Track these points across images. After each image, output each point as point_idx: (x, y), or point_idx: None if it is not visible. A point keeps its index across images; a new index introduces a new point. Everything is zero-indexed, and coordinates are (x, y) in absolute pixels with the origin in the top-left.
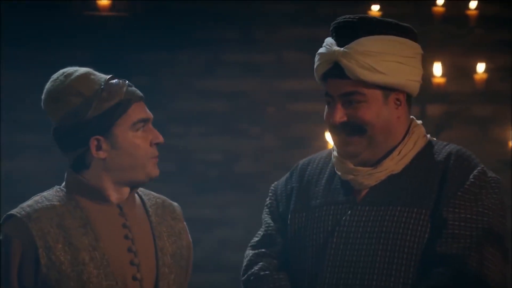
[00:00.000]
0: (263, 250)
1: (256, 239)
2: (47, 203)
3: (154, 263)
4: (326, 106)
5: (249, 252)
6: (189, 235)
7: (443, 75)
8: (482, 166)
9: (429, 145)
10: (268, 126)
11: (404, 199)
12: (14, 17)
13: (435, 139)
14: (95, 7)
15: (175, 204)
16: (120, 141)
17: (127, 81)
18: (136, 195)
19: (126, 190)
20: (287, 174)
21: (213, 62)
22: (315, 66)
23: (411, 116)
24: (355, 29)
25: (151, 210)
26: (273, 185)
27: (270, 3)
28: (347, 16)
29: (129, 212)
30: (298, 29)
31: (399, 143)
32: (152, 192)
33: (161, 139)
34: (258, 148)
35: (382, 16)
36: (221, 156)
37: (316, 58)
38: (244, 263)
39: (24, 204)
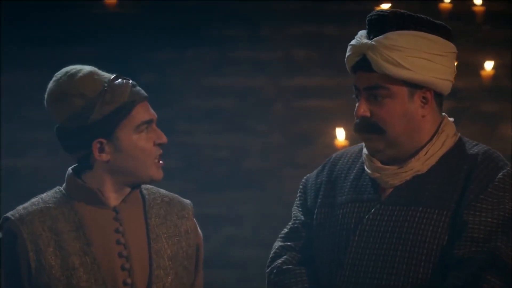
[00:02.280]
0: (288, 243)
1: (285, 230)
2: (42, 206)
3: (147, 267)
4: None
5: (276, 244)
6: (199, 233)
7: None
8: (509, 168)
9: (458, 144)
10: (275, 123)
11: (427, 200)
12: (21, 16)
13: (466, 138)
14: (102, 5)
15: (186, 201)
16: (123, 144)
17: (131, 81)
18: (139, 194)
19: (126, 191)
20: (319, 167)
21: (221, 59)
22: (345, 57)
23: (443, 114)
24: (385, 22)
25: (152, 211)
26: (305, 177)
27: (277, 0)
28: (381, 9)
29: (125, 216)
30: (306, 26)
31: (427, 142)
32: (161, 190)
33: (164, 139)
34: (266, 145)
35: None
36: (228, 153)
37: (348, 49)
38: (270, 255)
39: (21, 206)
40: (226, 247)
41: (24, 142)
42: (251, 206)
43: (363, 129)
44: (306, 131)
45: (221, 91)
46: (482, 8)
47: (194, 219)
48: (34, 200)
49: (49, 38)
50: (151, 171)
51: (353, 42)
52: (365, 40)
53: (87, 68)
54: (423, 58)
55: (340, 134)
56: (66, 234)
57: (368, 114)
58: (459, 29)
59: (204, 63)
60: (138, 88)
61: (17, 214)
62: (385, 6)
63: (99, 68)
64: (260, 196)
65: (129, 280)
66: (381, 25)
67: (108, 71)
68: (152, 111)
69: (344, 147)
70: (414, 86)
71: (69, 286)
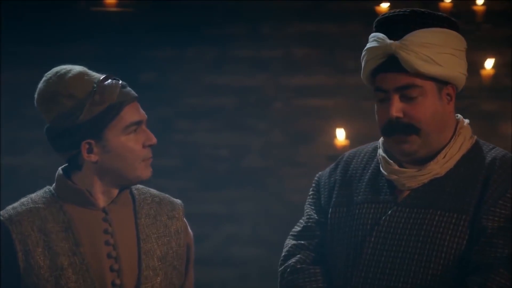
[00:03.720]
0: (302, 242)
1: (297, 228)
2: (32, 206)
3: (136, 267)
4: (376, 105)
5: (289, 242)
6: (190, 233)
7: None
8: None
9: (475, 147)
10: (275, 121)
11: (445, 204)
12: (21, 14)
13: (482, 141)
14: (103, 4)
15: (177, 201)
16: (112, 144)
17: (120, 81)
18: (129, 194)
19: (116, 192)
20: (332, 165)
21: (221, 58)
22: (364, 62)
23: (458, 115)
24: (408, 22)
25: (142, 211)
26: (317, 175)
27: None
28: (396, 10)
29: (114, 216)
30: (306, 25)
31: (446, 145)
32: (151, 190)
33: (154, 140)
34: (266, 143)
35: None
36: (228, 151)
37: (365, 53)
38: (283, 253)
39: (10, 206)
40: (226, 245)
41: (24, 140)
42: (251, 205)
43: (396, 131)
44: (306, 129)
45: (221, 89)
46: (482, 7)
47: (185, 219)
48: (23, 200)
49: (49, 36)
50: (139, 171)
51: (372, 45)
52: (390, 41)
53: (77, 68)
54: (450, 54)
55: (340, 134)
56: (55, 235)
57: (401, 114)
58: (459, 27)
59: (204, 62)
60: (128, 88)
61: (6, 214)
62: (385, 5)
63: (100, 67)
64: (260, 195)
65: (117, 281)
66: (404, 24)
67: (108, 70)
68: (141, 111)
69: (344, 146)
70: (441, 82)
71: (58, 286)
